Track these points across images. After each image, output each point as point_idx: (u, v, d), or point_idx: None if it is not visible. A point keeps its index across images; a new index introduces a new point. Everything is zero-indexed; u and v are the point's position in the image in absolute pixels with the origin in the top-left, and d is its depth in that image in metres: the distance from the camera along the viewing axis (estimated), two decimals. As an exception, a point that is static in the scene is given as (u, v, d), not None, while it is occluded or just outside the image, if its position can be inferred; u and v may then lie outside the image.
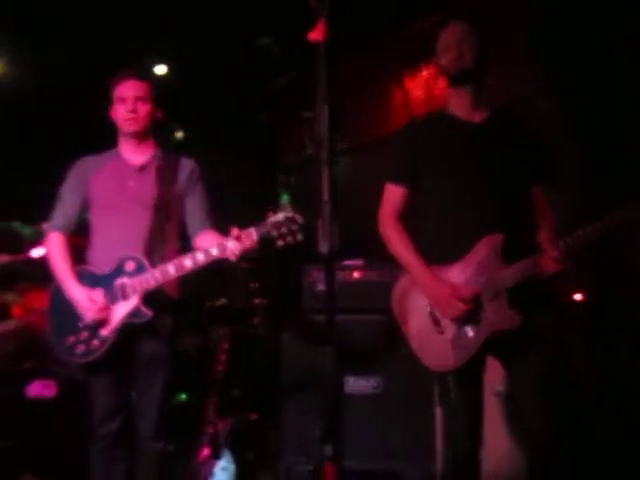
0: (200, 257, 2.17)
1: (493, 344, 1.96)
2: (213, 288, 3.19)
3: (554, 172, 2.18)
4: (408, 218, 2.15)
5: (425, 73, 3.95)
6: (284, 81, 4.51)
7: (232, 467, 2.67)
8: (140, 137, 2.39)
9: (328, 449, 1.38)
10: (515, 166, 2.06)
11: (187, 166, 2.43)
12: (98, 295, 2.22)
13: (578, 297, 3.00)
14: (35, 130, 4.51)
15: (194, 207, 2.41)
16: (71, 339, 2.24)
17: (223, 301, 3.20)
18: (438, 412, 2.72)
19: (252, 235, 2.10)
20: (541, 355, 1.96)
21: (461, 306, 1.95)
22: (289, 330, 3.13)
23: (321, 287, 3.07)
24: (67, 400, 2.76)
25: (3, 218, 3.24)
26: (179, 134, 4.97)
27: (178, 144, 4.83)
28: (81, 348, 2.23)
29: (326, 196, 1.47)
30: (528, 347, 1.97)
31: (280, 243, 2.05)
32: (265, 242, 2.10)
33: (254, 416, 3.15)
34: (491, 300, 1.96)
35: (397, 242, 2.10)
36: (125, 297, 2.21)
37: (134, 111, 2.33)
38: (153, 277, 2.19)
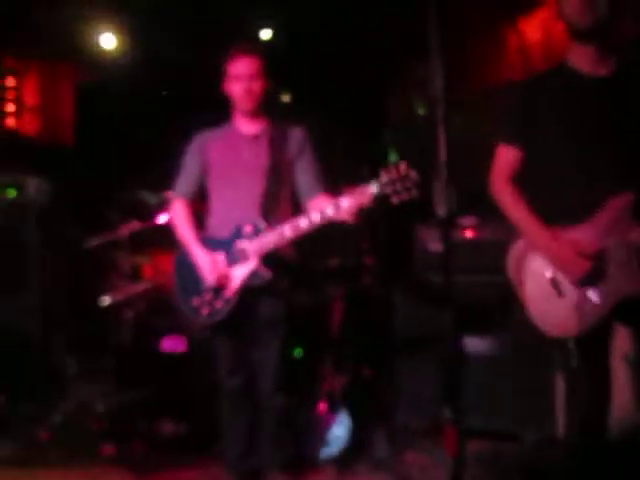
0: (316, 217, 2.19)
1: (623, 310, 1.84)
2: (325, 248, 3.25)
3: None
4: (523, 179, 2.03)
5: (542, 13, 3.62)
6: (392, 36, 4.34)
7: (348, 422, 2.73)
8: (254, 112, 2.47)
9: (448, 411, 1.38)
10: None
11: (297, 134, 2.49)
12: (220, 258, 2.32)
13: None
14: (156, 104, 4.75)
15: (304, 173, 2.45)
16: (196, 301, 2.36)
17: (335, 261, 3.25)
18: (559, 378, 2.62)
19: (367, 192, 2.09)
20: None
21: (585, 263, 1.82)
22: (401, 289, 3.14)
23: (433, 246, 3.04)
24: (197, 354, 2.95)
25: (132, 188, 3.49)
26: (286, 97, 4.99)
27: (284, 107, 4.86)
28: (206, 310, 2.34)
29: (443, 157, 1.42)
30: None
31: (395, 200, 2.04)
32: (377, 201, 2.09)
33: (368, 373, 3.20)
34: (621, 263, 1.82)
35: (512, 205, 1.99)
36: (245, 260, 2.29)
37: (249, 90, 2.39)
38: (271, 239, 2.25)
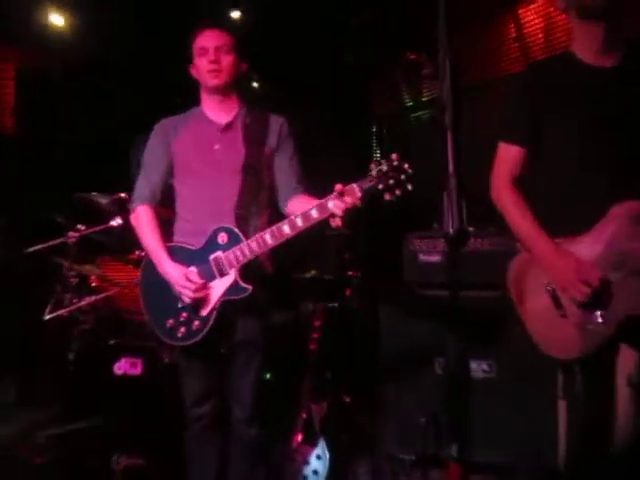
0: (299, 222, 1.99)
1: (628, 330, 1.75)
2: (302, 259, 3.04)
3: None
4: (525, 182, 1.93)
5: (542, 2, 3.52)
6: (371, 16, 4.08)
7: (327, 455, 2.56)
8: (224, 92, 2.23)
9: (454, 449, 1.29)
10: None
11: (276, 123, 2.25)
12: (194, 273, 2.12)
13: None
14: (108, 91, 4.42)
15: (285, 169, 2.24)
16: (171, 321, 2.17)
17: (313, 273, 3.05)
18: (561, 405, 2.46)
19: (355, 191, 1.88)
20: None
21: (587, 290, 1.74)
22: (388, 305, 2.93)
23: (424, 258, 2.86)
24: (154, 379, 2.75)
25: (80, 186, 3.17)
26: (255, 84, 4.71)
27: (256, 95, 4.58)
28: (182, 331, 2.16)
29: (452, 167, 1.25)
30: None
31: (388, 197, 1.86)
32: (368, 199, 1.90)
33: (349, 399, 3.04)
34: (625, 279, 1.72)
35: (514, 211, 1.88)
36: (222, 273, 2.11)
37: (216, 61, 2.17)
38: (249, 248, 2.06)
